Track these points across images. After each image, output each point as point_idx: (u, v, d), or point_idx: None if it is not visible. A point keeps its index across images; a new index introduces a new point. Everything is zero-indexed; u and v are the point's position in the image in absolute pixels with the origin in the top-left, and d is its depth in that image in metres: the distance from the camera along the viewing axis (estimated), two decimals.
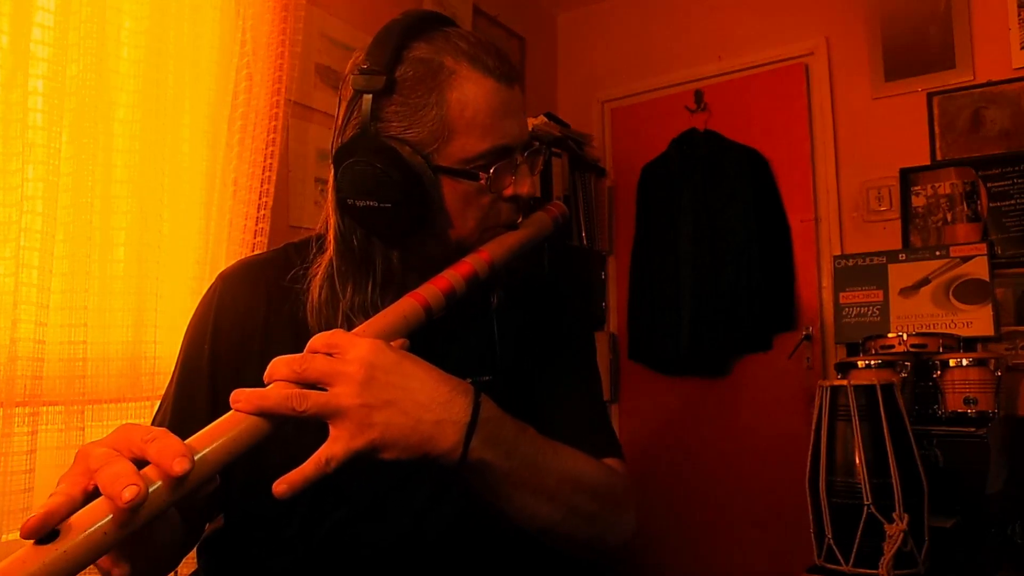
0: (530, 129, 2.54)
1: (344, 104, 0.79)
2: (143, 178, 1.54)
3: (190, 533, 0.81)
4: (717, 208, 2.83)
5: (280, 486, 0.57)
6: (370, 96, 0.74)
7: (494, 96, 0.76)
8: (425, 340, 0.70)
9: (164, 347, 1.55)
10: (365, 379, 0.59)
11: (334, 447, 0.59)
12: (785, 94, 2.84)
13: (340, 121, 0.79)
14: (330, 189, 0.79)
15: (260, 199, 1.78)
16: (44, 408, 1.35)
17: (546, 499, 0.69)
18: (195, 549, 0.87)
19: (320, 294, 0.80)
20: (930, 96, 2.54)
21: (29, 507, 1.28)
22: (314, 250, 0.84)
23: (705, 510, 2.86)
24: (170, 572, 0.81)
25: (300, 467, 0.58)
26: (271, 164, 1.80)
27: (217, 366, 0.81)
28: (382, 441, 0.59)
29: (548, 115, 2.78)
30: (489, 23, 2.93)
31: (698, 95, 3.00)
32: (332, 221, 0.80)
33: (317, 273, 0.81)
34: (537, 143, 0.86)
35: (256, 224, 1.77)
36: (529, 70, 3.19)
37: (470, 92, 0.75)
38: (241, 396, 0.57)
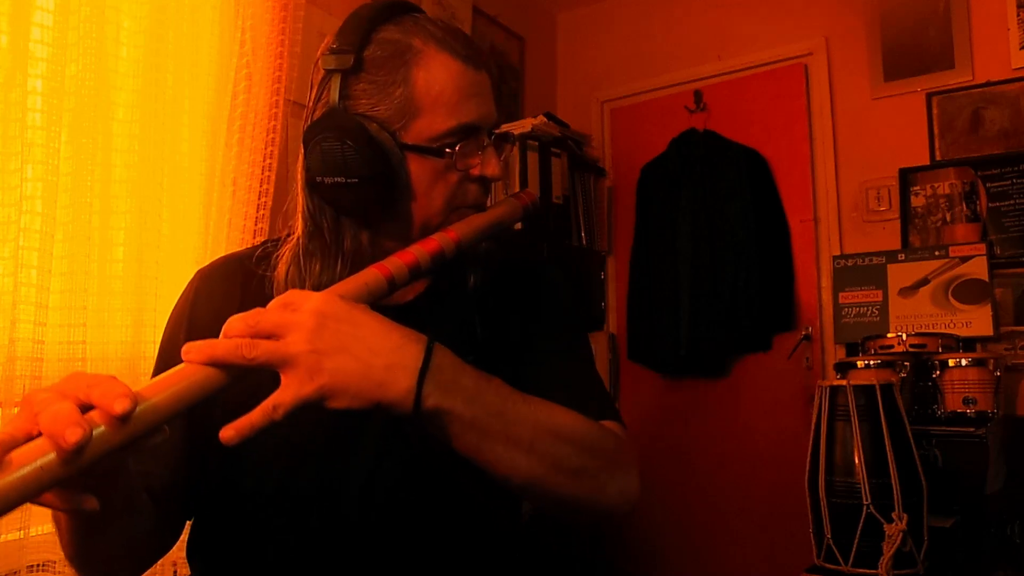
0: (529, 129, 2.55)
1: (315, 87, 0.80)
2: (142, 178, 1.54)
3: (166, 526, 0.80)
4: (716, 208, 2.83)
5: (228, 431, 0.57)
6: (339, 75, 0.76)
7: (461, 76, 0.78)
8: (401, 322, 0.68)
9: None
10: (315, 327, 0.59)
11: (283, 394, 0.58)
12: (784, 94, 2.84)
13: (311, 104, 0.81)
14: (299, 168, 0.80)
15: (259, 199, 1.78)
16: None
17: (523, 451, 0.67)
18: (187, 557, 0.86)
19: (287, 272, 0.80)
20: (929, 96, 2.54)
21: (27, 507, 1.27)
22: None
23: (704, 510, 2.86)
24: (147, 568, 0.80)
25: (247, 414, 0.58)
26: (270, 164, 1.80)
27: None
28: (331, 388, 0.59)
29: (547, 115, 2.77)
30: (489, 23, 2.93)
31: (697, 95, 3.00)
32: (300, 200, 0.81)
33: (284, 253, 0.81)
34: (507, 130, 0.86)
35: (255, 224, 1.77)
36: (528, 70, 3.19)
37: (436, 71, 0.77)
38: (192, 347, 0.58)
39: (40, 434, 0.50)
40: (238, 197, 1.73)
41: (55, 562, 1.36)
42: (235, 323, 0.60)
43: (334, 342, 0.60)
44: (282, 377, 0.59)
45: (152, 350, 1.53)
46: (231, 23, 1.76)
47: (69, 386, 0.53)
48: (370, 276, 0.69)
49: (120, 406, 0.50)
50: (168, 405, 0.54)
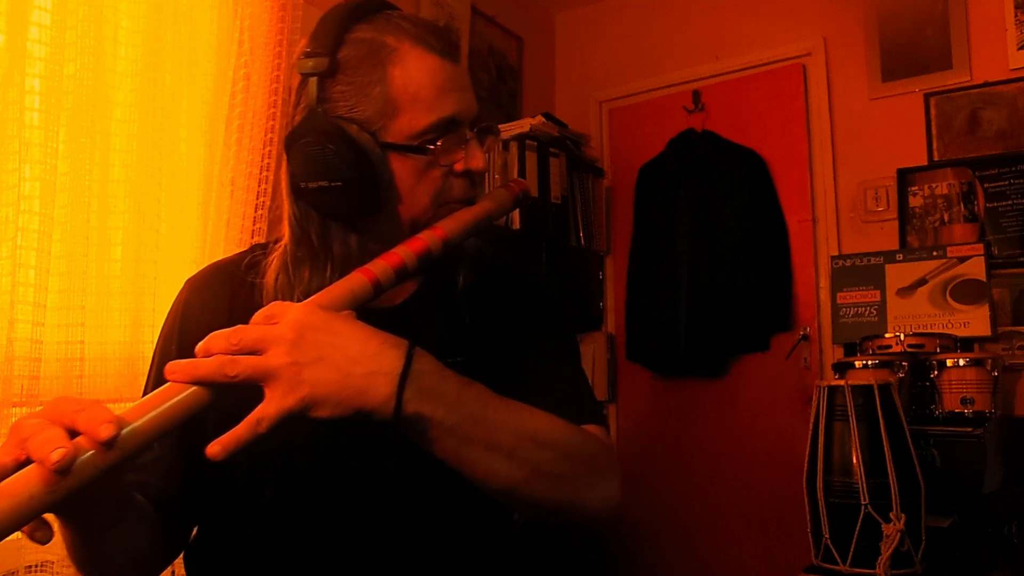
0: (527, 129, 2.55)
1: (294, 93, 0.80)
2: (140, 178, 1.54)
3: (171, 535, 0.81)
4: (715, 208, 2.83)
5: (214, 447, 0.57)
6: (315, 79, 0.76)
7: (438, 71, 0.77)
8: (392, 325, 0.68)
9: None
10: (295, 339, 0.60)
11: (267, 408, 0.59)
12: (783, 94, 2.85)
13: (291, 109, 0.80)
14: (283, 176, 0.80)
15: (258, 199, 1.78)
16: (41, 408, 1.35)
17: (503, 456, 0.67)
18: (184, 561, 0.85)
19: (276, 280, 0.80)
20: (927, 97, 2.55)
21: None
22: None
23: (703, 510, 2.86)
24: (157, 574, 0.81)
25: (233, 429, 0.58)
26: (268, 164, 1.80)
27: None
28: (312, 397, 0.59)
29: (546, 115, 2.77)
30: (487, 23, 2.93)
31: (696, 95, 3.01)
32: (286, 208, 0.80)
33: (273, 261, 0.81)
34: (494, 125, 0.85)
35: (254, 224, 1.76)
36: (527, 70, 3.19)
37: (412, 68, 0.76)
38: (176, 367, 0.58)
39: (29, 461, 0.51)
40: (236, 197, 1.73)
41: (53, 562, 1.36)
42: (217, 340, 0.60)
43: (313, 352, 0.60)
44: (265, 391, 0.59)
45: (150, 350, 1.52)
46: (229, 23, 1.76)
47: (56, 412, 0.54)
48: (355, 281, 0.69)
49: (105, 432, 0.51)
50: (153, 427, 0.55)
